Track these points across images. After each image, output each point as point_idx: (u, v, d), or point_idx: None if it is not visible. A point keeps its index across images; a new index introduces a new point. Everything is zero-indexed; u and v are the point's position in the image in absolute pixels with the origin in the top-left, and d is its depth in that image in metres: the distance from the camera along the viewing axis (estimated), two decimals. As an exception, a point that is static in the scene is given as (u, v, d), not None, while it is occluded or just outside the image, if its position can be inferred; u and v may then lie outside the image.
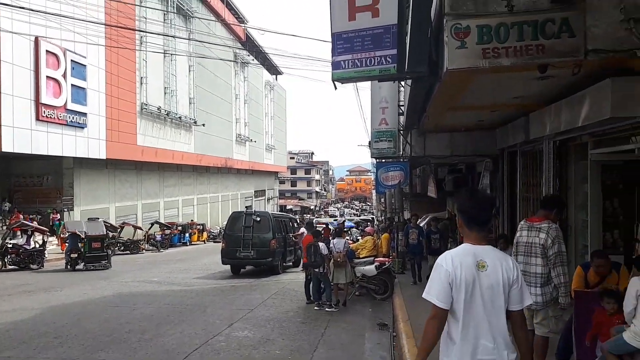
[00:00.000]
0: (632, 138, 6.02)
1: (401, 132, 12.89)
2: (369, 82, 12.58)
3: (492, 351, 2.75)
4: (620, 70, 5.39)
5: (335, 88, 6.64)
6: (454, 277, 2.76)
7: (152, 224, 29.69)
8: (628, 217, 7.59)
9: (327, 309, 9.75)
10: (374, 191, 62.55)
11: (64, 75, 23.56)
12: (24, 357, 6.54)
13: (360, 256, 12.06)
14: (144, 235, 28.32)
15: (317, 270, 9.96)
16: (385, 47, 6.03)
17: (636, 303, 4.39)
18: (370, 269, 11.02)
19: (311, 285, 10.36)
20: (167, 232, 30.15)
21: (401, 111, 12.56)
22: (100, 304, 10.47)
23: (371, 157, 12.96)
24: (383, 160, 13.26)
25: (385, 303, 10.36)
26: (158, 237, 28.53)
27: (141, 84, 31.41)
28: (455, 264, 2.78)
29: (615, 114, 5.43)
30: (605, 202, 7.90)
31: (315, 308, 9.88)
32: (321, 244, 10.17)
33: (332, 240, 10.75)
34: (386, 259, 11.77)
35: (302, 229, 15.85)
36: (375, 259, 11.51)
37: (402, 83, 11.22)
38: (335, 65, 6.46)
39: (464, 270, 2.76)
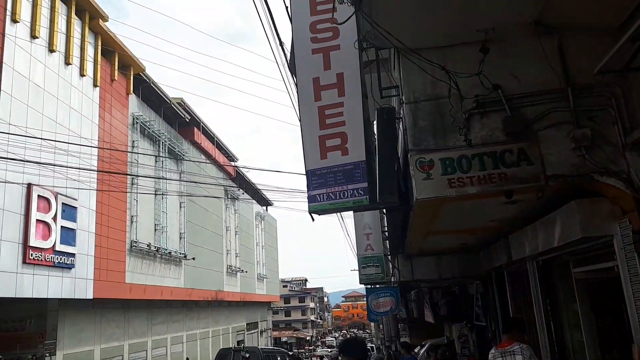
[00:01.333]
0: (610, 256, 6.13)
1: (387, 256, 12.95)
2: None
3: None
4: (582, 192, 5.67)
5: (313, 219, 6.89)
6: None
7: None
8: (622, 336, 7.41)
9: None
10: (371, 319, 60.54)
11: (54, 218, 23.80)
12: None
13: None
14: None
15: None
16: (356, 180, 6.42)
17: None
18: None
19: None
20: None
21: (385, 236, 12.74)
22: None
23: (360, 283, 12.85)
24: (372, 286, 13.13)
25: None
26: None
27: (131, 222, 31.74)
28: None
29: (585, 234, 5.59)
30: (597, 321, 7.77)
31: None
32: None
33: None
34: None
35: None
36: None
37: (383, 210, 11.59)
38: (311, 199, 6.78)
39: None
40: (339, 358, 4.76)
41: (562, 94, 5.32)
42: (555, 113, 5.30)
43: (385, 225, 12.64)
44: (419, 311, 22.20)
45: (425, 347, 13.94)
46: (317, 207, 6.65)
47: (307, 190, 6.81)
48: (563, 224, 6.09)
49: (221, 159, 48.67)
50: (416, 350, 15.17)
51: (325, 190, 6.59)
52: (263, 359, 15.33)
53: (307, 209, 6.88)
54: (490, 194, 5.36)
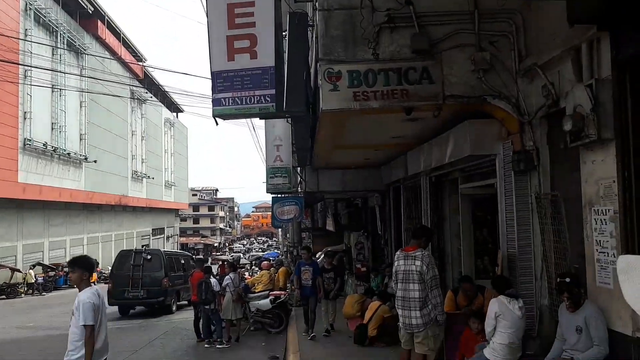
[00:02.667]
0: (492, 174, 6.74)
1: (295, 168, 13.24)
2: (263, 121, 12.87)
3: None
4: (477, 114, 6.08)
5: (217, 124, 6.80)
6: None
7: (34, 265, 27.22)
8: (495, 245, 8.38)
9: (217, 346, 9.53)
10: (280, 229, 62.50)
11: None
12: None
13: (256, 290, 12.00)
14: (23, 278, 25.83)
15: (207, 307, 9.74)
16: (264, 87, 6.34)
17: (495, 323, 4.87)
18: (265, 303, 11.01)
19: (201, 322, 10.10)
20: (52, 274, 27.76)
21: (295, 149, 12.94)
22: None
23: (267, 192, 13.10)
24: (279, 195, 13.47)
25: (280, 336, 10.35)
26: (40, 280, 26.14)
27: (24, 118, 29.21)
28: None
29: (473, 152, 6.08)
30: (476, 232, 8.69)
31: (206, 346, 9.63)
32: (213, 280, 10.02)
33: (228, 275, 10.63)
34: (282, 292, 11.82)
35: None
36: (270, 293, 11.52)
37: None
38: (215, 102, 6.63)
39: None
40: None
41: (469, 16, 5.50)
42: (461, 35, 5.51)
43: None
44: (322, 221, 23.34)
45: (323, 252, 14.83)
46: (222, 111, 6.53)
47: (212, 93, 6.62)
48: (455, 142, 6.55)
49: (128, 57, 45.28)
50: (317, 256, 16.08)
51: (231, 94, 6.45)
52: (166, 261, 15.45)
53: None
54: (392, 110, 5.58)
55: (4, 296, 23.06)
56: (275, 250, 44.25)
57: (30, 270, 27.02)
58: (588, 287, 4.60)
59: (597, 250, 4.47)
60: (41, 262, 29.00)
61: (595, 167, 4.49)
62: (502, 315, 4.80)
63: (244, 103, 6.42)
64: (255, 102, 6.36)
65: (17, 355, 9.08)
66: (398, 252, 5.74)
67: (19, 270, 25.99)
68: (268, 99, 6.36)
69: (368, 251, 15.78)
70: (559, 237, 5.06)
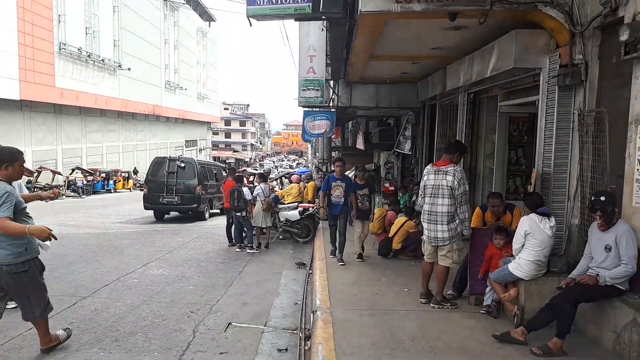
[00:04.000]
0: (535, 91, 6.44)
1: (328, 81, 12.94)
2: (297, 30, 12.43)
3: None
4: (524, 23, 5.70)
5: (251, 25, 6.58)
6: None
7: (74, 170, 28.36)
8: (529, 167, 8.21)
9: (248, 251, 9.93)
10: (310, 146, 62.62)
11: (-33, 5, 21.37)
12: None
13: (285, 202, 12.26)
14: (64, 181, 27.06)
15: (239, 214, 10.05)
16: (301, -15, 6.01)
17: (524, 241, 4.85)
18: (294, 214, 11.31)
19: (233, 228, 10.47)
20: (90, 178, 28.95)
21: (329, 61, 12.58)
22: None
23: (298, 105, 12.93)
24: (311, 109, 13.32)
25: (307, 246, 10.69)
26: (79, 183, 27.34)
27: (59, 22, 29.09)
28: None
29: (517, 64, 5.77)
30: (510, 152, 8.51)
31: (237, 250, 10.04)
32: (245, 189, 10.25)
33: (259, 185, 10.86)
34: (310, 204, 12.05)
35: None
36: (299, 205, 11.78)
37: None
38: (250, 1, 6.37)
39: None
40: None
41: None
42: None
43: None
44: (353, 140, 23.18)
45: (353, 171, 14.85)
46: (256, 10, 6.28)
47: (247, -10, 6.35)
48: (499, 54, 6.21)
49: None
50: (348, 173, 16.17)
51: (266, -7, 6.17)
52: (199, 170, 15.81)
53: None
54: (435, 14, 5.27)
55: (47, 196, 24.24)
56: (305, 167, 44.53)
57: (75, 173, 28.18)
58: (623, 208, 4.49)
59: (637, 170, 4.32)
60: (80, 166, 30.13)
61: (649, 82, 4.22)
62: (531, 234, 4.77)
63: (279, 2, 6.15)
64: (291, 1, 6.08)
65: (62, 248, 9.65)
66: (428, 167, 5.67)
67: (59, 173, 27.13)
68: (304, -2, 6.08)
69: (397, 170, 15.75)
70: (598, 156, 4.88)
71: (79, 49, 30.97)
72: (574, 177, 5.34)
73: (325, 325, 4.80)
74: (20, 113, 27.61)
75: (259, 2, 6.28)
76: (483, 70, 6.86)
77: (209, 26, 62.65)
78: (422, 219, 5.66)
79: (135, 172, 36.86)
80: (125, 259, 8.70)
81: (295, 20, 7.15)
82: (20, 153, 4.26)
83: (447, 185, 5.30)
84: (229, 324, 5.34)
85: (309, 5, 6.00)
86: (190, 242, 10.92)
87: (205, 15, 59.25)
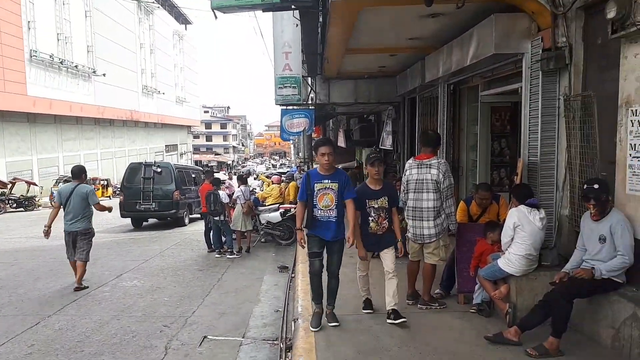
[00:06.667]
0: (517, 79, 6.20)
1: (305, 78, 12.61)
2: (272, 27, 12.07)
3: None
4: (504, 7, 5.44)
5: (216, 17, 6.21)
6: None
7: (62, 180, 27.68)
8: (513, 157, 7.99)
9: (228, 256, 9.57)
10: (292, 146, 62.22)
11: None
12: None
13: (266, 204, 11.92)
14: (40, 192, 26.36)
15: (216, 218, 9.68)
16: (266, -29, 5.67)
17: (513, 234, 4.57)
18: (275, 216, 10.97)
19: (211, 233, 10.10)
20: None
21: (305, 57, 12.24)
22: (-26, 261, 9.53)
23: (275, 104, 12.57)
24: (288, 107, 12.98)
25: (290, 248, 10.37)
26: (54, 192, 26.57)
27: (29, 28, 28.29)
28: None
29: (498, 50, 5.50)
30: (493, 143, 8.26)
31: (216, 256, 9.67)
32: (221, 192, 9.90)
33: (239, 188, 10.53)
34: (292, 206, 11.71)
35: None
36: (281, 206, 11.44)
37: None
38: (214, -8, 6.00)
39: None
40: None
41: None
42: None
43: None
44: (334, 138, 22.92)
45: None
46: (221, 2, 5.91)
47: (210, -19, 5.97)
48: (479, 40, 5.95)
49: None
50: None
51: (231, -18, 5.82)
52: (176, 174, 15.36)
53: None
54: (411, 0, 4.98)
55: (21, 208, 23.57)
56: (293, 166, 43.63)
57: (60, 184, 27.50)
58: (616, 196, 4.25)
59: (630, 155, 4.07)
60: (63, 175, 29.39)
61: (638, 62, 3.98)
62: (520, 226, 4.50)
63: (245, -8, 5.79)
64: (259, -10, 5.73)
65: (31, 262, 9.21)
66: (410, 161, 5.35)
67: (34, 184, 26.38)
68: (273, -13, 5.72)
69: (380, 167, 15.50)
70: (587, 142, 4.63)
71: (50, 56, 30.18)
72: (562, 166, 5.10)
73: (306, 335, 4.47)
74: (-8, 124, 26.81)
75: (224, -7, 5.92)
76: (463, 59, 6.59)
77: (186, 29, 61.86)
78: (406, 216, 5.35)
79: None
80: (97, 271, 8.26)
81: (264, 11, 6.79)
82: None
83: (431, 179, 5.00)
84: (205, 337, 4.99)
85: (277, -6, 5.67)
86: (167, 250, 10.51)
87: (181, 18, 58.49)
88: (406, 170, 5.31)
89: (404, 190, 5.34)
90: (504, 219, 4.94)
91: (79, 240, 7.08)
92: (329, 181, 4.62)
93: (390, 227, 4.84)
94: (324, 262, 4.74)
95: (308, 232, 4.71)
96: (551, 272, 4.54)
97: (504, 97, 7.46)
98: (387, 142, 12.68)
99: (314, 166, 18.24)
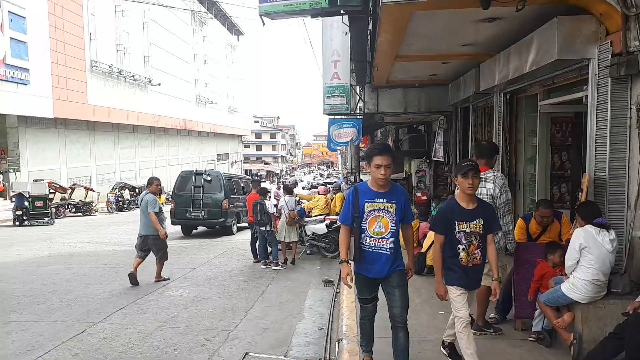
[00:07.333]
0: (581, 87, 5.76)
1: (354, 87, 12.41)
2: (321, 35, 11.98)
3: None
4: (568, 9, 5.06)
5: (264, 24, 6.12)
6: None
7: (118, 187, 28.86)
8: (575, 172, 7.46)
9: (273, 267, 9.45)
10: (340, 156, 62.16)
11: (1, 27, 21.93)
12: None
13: (312, 215, 11.77)
14: (97, 198, 27.46)
15: (263, 228, 9.60)
16: (315, -24, 5.52)
17: (578, 256, 4.18)
18: (321, 227, 10.77)
19: (257, 243, 10.03)
20: (132, 192, 29.66)
21: (354, 66, 12.06)
22: (31, 264, 9.85)
23: (323, 113, 12.45)
24: (336, 117, 12.82)
25: (336, 261, 10.12)
26: (112, 199, 27.59)
27: (90, 40, 29.71)
28: None
29: (561, 56, 5.11)
30: (553, 156, 7.75)
31: (262, 267, 9.57)
32: (267, 202, 9.81)
33: (283, 198, 10.41)
34: (338, 217, 11.49)
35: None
36: (326, 217, 11.25)
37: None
38: (262, -1, 5.92)
39: None
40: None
41: None
42: None
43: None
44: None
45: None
46: (269, 8, 5.82)
47: (259, -13, 5.90)
48: (539, 46, 5.56)
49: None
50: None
51: (279, -13, 5.72)
52: (225, 183, 15.51)
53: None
54: (466, 3, 4.70)
55: (79, 213, 24.57)
56: (340, 177, 43.10)
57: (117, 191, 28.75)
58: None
59: None
60: (125, 183, 30.65)
61: None
62: (587, 248, 4.10)
63: (292, -3, 5.67)
64: (306, -6, 5.60)
65: (83, 267, 9.43)
66: (463, 174, 5.02)
67: (91, 189, 27.47)
68: (320, -10, 5.58)
69: (430, 179, 15.06)
70: (665, 156, 4.18)
71: (110, 66, 31.52)
72: (635, 182, 4.63)
73: (351, 358, 4.23)
74: (54, 131, 28.19)
75: (271, -1, 5.82)
76: (521, 66, 6.21)
77: (238, 40, 63.28)
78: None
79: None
80: (146, 278, 8.32)
81: (312, 16, 6.65)
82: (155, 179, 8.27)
83: (486, 194, 4.65)
84: (246, 354, 4.83)
85: (325, -1, 5.51)
86: (214, 259, 10.53)
87: (234, 29, 59.87)
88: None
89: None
90: (567, 239, 4.54)
91: (150, 245, 8.06)
92: (384, 200, 3.66)
93: (483, 260, 3.85)
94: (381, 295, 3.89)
95: (355, 267, 3.83)
96: (622, 300, 4.10)
97: (566, 106, 6.96)
98: (439, 153, 12.27)
99: (361, 178, 17.99)
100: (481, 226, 3.75)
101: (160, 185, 8.50)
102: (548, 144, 7.60)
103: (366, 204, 3.67)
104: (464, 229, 3.72)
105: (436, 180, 14.61)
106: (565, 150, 7.72)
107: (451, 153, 11.89)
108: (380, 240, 3.68)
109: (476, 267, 3.81)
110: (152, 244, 8.02)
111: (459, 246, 3.73)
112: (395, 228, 3.68)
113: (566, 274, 4.34)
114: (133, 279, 7.82)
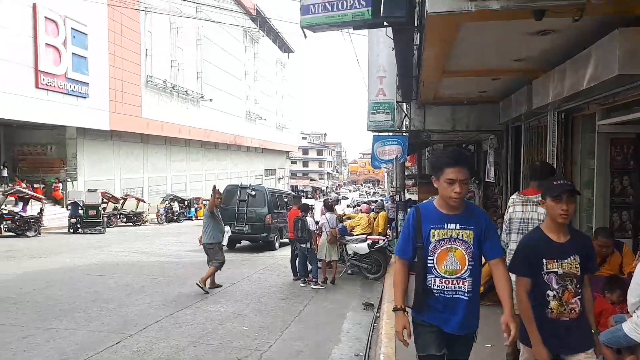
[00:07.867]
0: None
1: (399, 104, 12.19)
2: (367, 50, 11.87)
3: None
4: (628, 21, 4.70)
5: (305, 36, 6.05)
6: None
7: (168, 199, 29.81)
8: (638, 197, 6.92)
9: (312, 286, 9.27)
10: (386, 174, 61.67)
11: (64, 43, 23.15)
12: (-25, 324, 6.16)
13: (354, 234, 11.53)
14: (148, 209, 28.31)
15: (303, 245, 9.47)
16: (358, -12, 5.40)
17: (643, 293, 3.77)
18: (362, 247, 10.51)
19: (297, 261, 9.89)
20: (181, 205, 30.60)
21: (400, 82, 11.84)
22: (78, 271, 10.13)
23: (368, 130, 12.27)
24: (381, 134, 12.61)
25: (377, 283, 9.84)
26: (161, 211, 28.32)
27: (146, 55, 30.92)
28: None
29: (623, 71, 4.73)
30: (613, 180, 7.22)
31: (301, 285, 9.42)
32: (309, 219, 9.68)
33: (324, 215, 10.25)
34: (380, 237, 11.21)
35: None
36: (368, 237, 10.98)
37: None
38: (304, 10, 5.86)
39: None
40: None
41: None
42: None
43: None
44: (430, 167, 22.14)
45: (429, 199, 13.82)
46: (312, 20, 5.74)
47: (301, 0, 5.84)
48: (598, 61, 5.19)
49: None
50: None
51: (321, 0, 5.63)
52: (269, 198, 15.58)
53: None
54: (517, 14, 4.44)
55: (130, 223, 25.36)
56: (386, 195, 42.35)
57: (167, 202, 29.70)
58: None
59: None
60: (175, 195, 31.65)
61: None
62: (653, 283, 3.69)
63: (335, 9, 5.56)
64: (348, 6, 5.48)
65: (126, 277, 9.59)
66: (514, 196, 4.67)
67: (143, 200, 28.33)
68: (363, 2, 5.43)
69: (479, 201, 14.53)
70: None
71: (164, 81, 32.64)
72: None
73: (385, 388, 3.98)
74: (110, 143, 29.34)
75: (313, 11, 5.74)
76: (578, 83, 5.83)
77: (288, 57, 64.32)
78: (507, 260, 4.68)
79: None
80: (185, 291, 8.37)
81: (355, 28, 6.53)
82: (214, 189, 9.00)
83: (538, 219, 4.31)
84: (277, 377, 4.66)
85: (367, 10, 5.37)
86: (255, 274, 10.47)
87: (284, 47, 60.93)
88: (509, 207, 4.66)
89: (505, 230, 4.69)
90: (629, 273, 4.12)
91: (207, 253, 8.93)
92: (458, 226, 2.77)
93: (582, 311, 2.92)
94: None
95: (416, 316, 2.87)
96: (693, 342, 3.66)
97: (627, 126, 6.49)
98: (491, 174, 11.81)
99: (409, 197, 17.53)
100: (577, 265, 2.86)
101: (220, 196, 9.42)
102: (607, 167, 7.09)
103: (433, 230, 2.77)
104: (555, 269, 2.87)
105: (486, 202, 14.07)
106: (627, 174, 7.17)
107: (502, 174, 11.42)
108: (455, 282, 2.76)
109: (573, 322, 2.89)
110: (207, 252, 8.91)
111: (549, 292, 2.87)
112: (474, 264, 2.78)
113: (629, 312, 3.92)
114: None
